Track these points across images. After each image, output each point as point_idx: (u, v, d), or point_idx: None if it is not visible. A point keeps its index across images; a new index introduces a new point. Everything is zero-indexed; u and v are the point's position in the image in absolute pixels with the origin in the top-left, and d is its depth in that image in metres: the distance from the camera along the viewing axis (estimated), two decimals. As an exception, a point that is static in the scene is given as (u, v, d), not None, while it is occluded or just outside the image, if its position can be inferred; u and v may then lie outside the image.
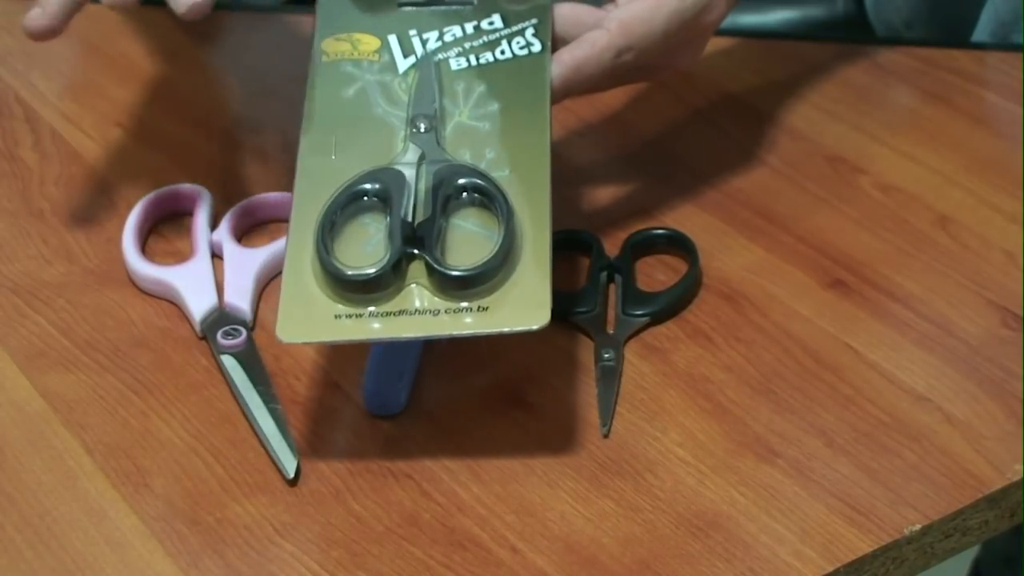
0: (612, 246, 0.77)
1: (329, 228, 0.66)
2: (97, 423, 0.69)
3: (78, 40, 0.98)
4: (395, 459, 0.67)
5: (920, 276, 0.76)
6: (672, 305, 0.74)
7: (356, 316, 0.64)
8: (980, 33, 1.03)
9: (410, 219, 0.66)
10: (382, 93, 0.72)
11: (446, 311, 0.64)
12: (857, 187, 0.83)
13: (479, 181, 0.67)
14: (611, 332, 0.73)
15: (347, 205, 0.67)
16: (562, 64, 0.72)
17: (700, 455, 0.66)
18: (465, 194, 0.67)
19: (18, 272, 0.78)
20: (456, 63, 0.72)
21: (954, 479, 0.65)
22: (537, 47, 0.73)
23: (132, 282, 0.76)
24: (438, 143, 0.69)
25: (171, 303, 0.75)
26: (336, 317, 0.64)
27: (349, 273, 0.64)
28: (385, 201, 0.67)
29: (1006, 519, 0.66)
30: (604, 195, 0.83)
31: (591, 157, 0.86)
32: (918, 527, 0.63)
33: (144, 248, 0.78)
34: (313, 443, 0.67)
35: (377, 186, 0.67)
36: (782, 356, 0.72)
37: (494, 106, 0.71)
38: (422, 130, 0.70)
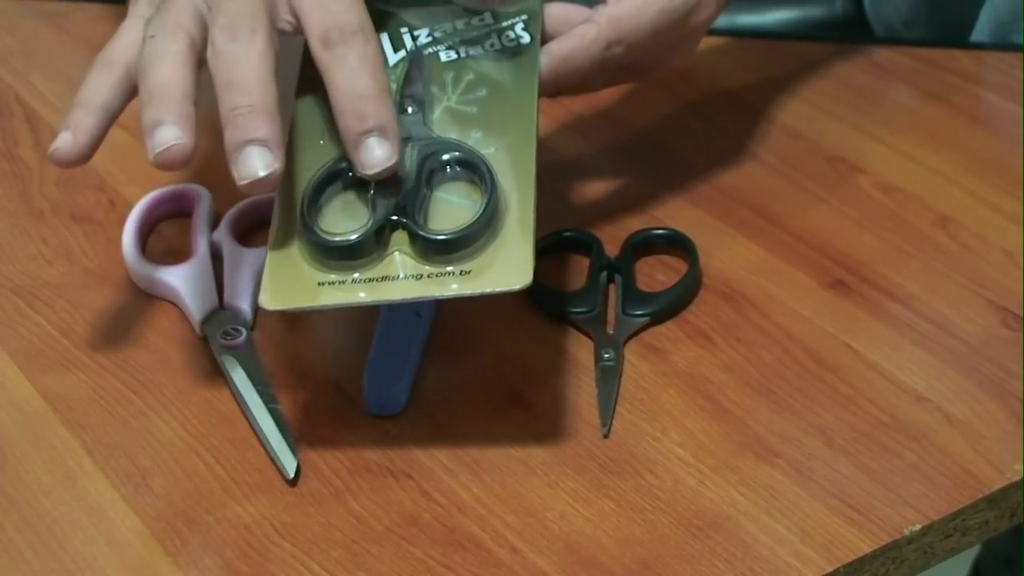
0: (612, 246, 0.77)
1: (314, 202, 0.66)
2: (97, 423, 0.69)
3: (78, 40, 0.98)
4: (395, 459, 0.67)
5: (920, 276, 0.76)
6: (672, 305, 0.74)
7: (340, 283, 0.64)
8: (980, 33, 1.03)
9: (393, 190, 0.66)
10: None
11: (429, 275, 0.64)
12: (857, 187, 0.83)
13: (463, 155, 0.68)
14: (611, 332, 0.73)
15: (332, 181, 0.68)
16: (551, 55, 0.72)
17: (700, 455, 0.66)
18: (449, 168, 0.68)
19: (18, 272, 0.78)
20: (446, 55, 0.73)
21: (954, 479, 0.65)
22: (526, 39, 0.73)
23: (132, 282, 0.77)
24: (425, 124, 0.70)
25: (171, 303, 0.75)
26: (320, 285, 0.64)
27: (332, 240, 0.65)
28: None
29: (1006, 519, 0.66)
30: (604, 195, 0.83)
31: (590, 157, 0.86)
32: (918, 527, 0.63)
33: (144, 248, 0.78)
34: (313, 443, 0.67)
35: None
36: (782, 356, 0.72)
37: (482, 92, 0.71)
38: (409, 112, 0.70)
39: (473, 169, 0.67)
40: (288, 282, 0.65)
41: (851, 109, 0.89)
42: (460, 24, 0.74)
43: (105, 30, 0.96)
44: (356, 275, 0.64)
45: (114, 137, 0.88)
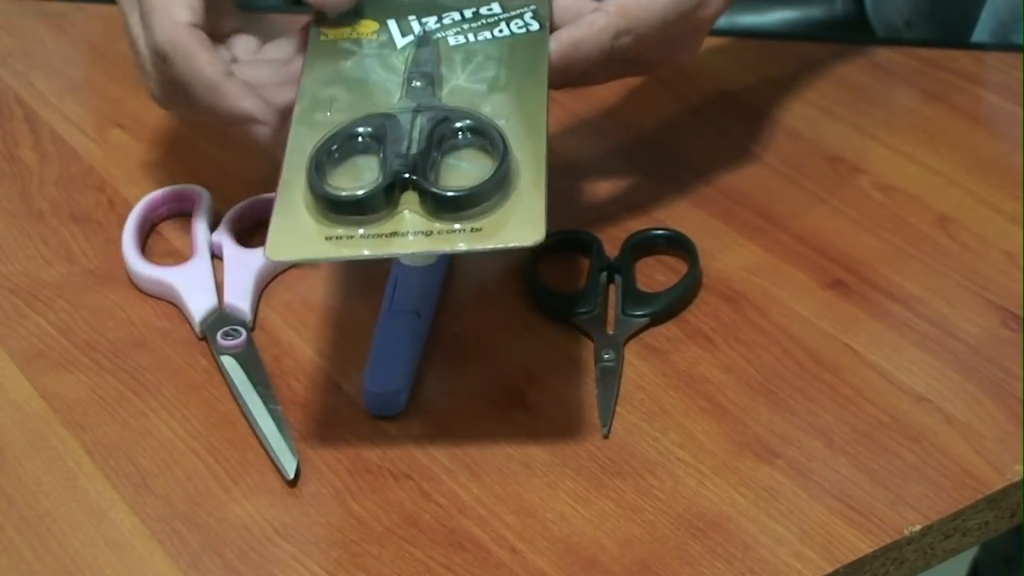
0: (612, 246, 0.77)
1: (323, 161, 0.66)
2: (97, 423, 0.69)
3: (78, 40, 0.98)
4: (395, 459, 0.67)
5: (920, 276, 0.76)
6: (672, 305, 0.74)
7: (347, 237, 0.64)
8: (980, 33, 1.03)
9: (404, 152, 0.66)
10: (380, 64, 0.72)
11: (439, 232, 0.64)
12: (857, 187, 0.83)
13: (475, 122, 0.67)
14: (611, 332, 0.73)
15: (342, 145, 0.67)
16: (560, 41, 0.72)
17: (700, 456, 0.66)
18: (461, 135, 0.67)
19: (18, 272, 0.78)
20: (454, 39, 0.73)
21: (954, 480, 0.65)
22: (535, 27, 0.73)
23: (132, 282, 0.76)
24: (434, 96, 0.69)
25: (171, 303, 0.75)
26: (327, 239, 0.64)
27: (340, 194, 0.64)
28: (379, 142, 0.67)
29: (1006, 520, 0.66)
30: (604, 195, 0.83)
31: (591, 157, 0.86)
32: (918, 528, 0.63)
33: (144, 248, 0.78)
34: (313, 444, 0.67)
35: (370, 129, 0.68)
36: (782, 356, 0.72)
37: (491, 72, 0.71)
38: (418, 86, 0.70)
39: (485, 135, 0.67)
40: (294, 235, 0.64)
41: (851, 110, 0.89)
42: (468, 13, 0.74)
43: (105, 30, 0.96)
44: (363, 230, 0.64)
45: (114, 137, 0.88)
